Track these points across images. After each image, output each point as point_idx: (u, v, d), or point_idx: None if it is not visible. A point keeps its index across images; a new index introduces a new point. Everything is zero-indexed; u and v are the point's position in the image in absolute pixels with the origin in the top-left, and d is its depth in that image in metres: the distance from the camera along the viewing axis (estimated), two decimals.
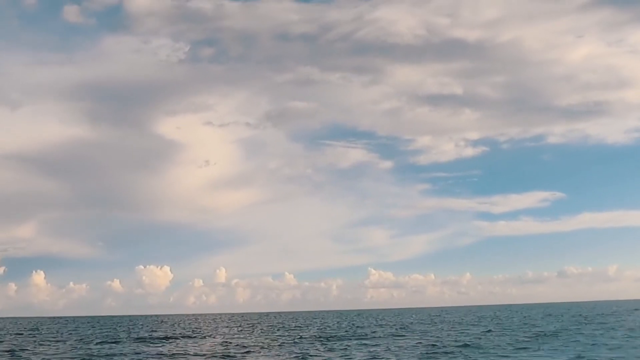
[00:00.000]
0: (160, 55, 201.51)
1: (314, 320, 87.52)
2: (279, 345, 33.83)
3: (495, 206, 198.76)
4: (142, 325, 78.11)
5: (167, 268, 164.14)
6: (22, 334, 55.29)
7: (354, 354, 27.40)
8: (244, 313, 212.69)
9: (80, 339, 43.68)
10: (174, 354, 29.20)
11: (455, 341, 32.40)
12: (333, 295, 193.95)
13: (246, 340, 38.22)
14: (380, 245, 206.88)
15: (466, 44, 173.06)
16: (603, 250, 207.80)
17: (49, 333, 56.87)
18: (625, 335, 32.54)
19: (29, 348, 35.51)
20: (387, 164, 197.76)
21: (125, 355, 29.26)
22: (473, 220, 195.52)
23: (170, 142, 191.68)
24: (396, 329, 49.71)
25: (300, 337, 40.15)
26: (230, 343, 35.98)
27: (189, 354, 29.17)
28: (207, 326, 68.58)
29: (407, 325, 55.24)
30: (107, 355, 29.69)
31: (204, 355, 28.61)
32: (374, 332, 45.34)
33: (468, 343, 30.66)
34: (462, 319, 68.69)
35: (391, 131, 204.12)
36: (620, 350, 25.02)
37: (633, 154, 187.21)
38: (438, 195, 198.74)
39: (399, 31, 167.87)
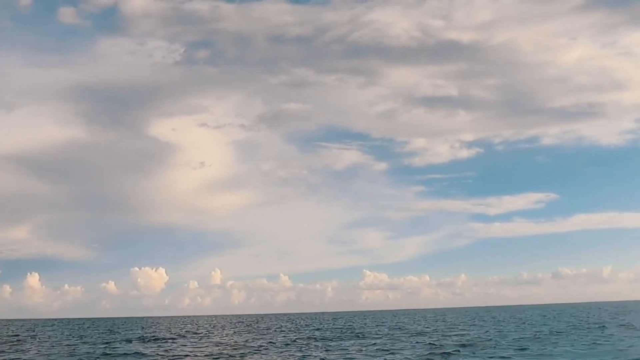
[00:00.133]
0: (155, 57, 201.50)
1: (310, 321, 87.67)
2: (277, 345, 33.95)
3: (490, 208, 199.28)
4: (141, 326, 78.06)
5: (162, 270, 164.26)
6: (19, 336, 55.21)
7: (353, 355, 27.57)
8: (239, 315, 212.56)
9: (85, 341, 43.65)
10: (172, 356, 29.29)
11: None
12: (328, 297, 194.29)
13: (243, 341, 38.33)
14: (375, 247, 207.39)
15: (460, 46, 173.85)
16: (597, 252, 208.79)
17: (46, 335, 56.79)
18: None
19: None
20: (382, 165, 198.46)
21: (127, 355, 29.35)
22: (468, 222, 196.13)
23: (166, 143, 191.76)
24: (393, 329, 49.90)
25: (296, 339, 40.27)
26: (228, 344, 36.09)
27: (186, 355, 29.27)
28: (203, 327, 68.59)
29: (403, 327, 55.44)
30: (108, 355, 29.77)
31: (201, 356, 28.70)
32: (375, 332, 45.51)
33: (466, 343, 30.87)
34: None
35: (386, 133, 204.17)
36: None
37: (627, 155, 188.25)
38: (433, 196, 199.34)
39: (394, 33, 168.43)
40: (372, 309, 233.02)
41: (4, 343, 42.90)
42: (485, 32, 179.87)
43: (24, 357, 30.60)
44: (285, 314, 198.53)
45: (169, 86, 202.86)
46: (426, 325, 55.88)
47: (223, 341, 39.32)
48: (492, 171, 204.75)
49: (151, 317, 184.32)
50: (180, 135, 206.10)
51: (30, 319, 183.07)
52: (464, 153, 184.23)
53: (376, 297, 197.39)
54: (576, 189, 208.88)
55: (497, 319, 70.07)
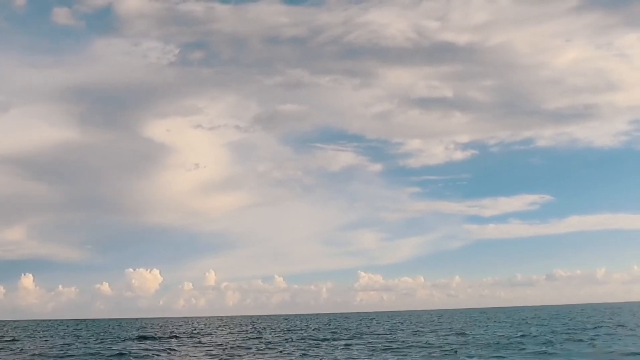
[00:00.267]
0: (150, 58, 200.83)
1: (306, 321, 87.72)
2: (273, 345, 34.07)
3: (484, 209, 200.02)
4: (136, 327, 78.00)
5: (156, 271, 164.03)
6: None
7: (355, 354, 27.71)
8: (233, 316, 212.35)
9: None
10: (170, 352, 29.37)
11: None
12: (323, 298, 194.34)
13: (239, 341, 38.41)
14: (370, 248, 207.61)
15: (456, 47, 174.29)
16: (591, 253, 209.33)
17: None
18: None
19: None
20: (377, 166, 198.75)
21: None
22: (463, 224, 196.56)
23: (160, 145, 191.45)
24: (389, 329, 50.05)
25: (293, 339, 40.38)
26: (225, 344, 36.17)
27: (182, 356, 29.35)
28: (198, 328, 68.60)
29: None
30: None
31: (198, 355, 28.79)
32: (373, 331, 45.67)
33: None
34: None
35: (381, 134, 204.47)
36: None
37: (621, 157, 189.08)
38: (428, 198, 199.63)
39: (389, 34, 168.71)
40: (366, 311, 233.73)
41: None
42: (481, 33, 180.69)
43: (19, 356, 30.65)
44: (279, 315, 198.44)
45: (163, 87, 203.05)
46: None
47: (220, 341, 39.40)
48: (487, 173, 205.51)
49: (145, 318, 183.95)
50: (174, 137, 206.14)
51: (24, 320, 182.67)
52: (459, 154, 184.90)
53: (371, 298, 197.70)
54: (571, 190, 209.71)
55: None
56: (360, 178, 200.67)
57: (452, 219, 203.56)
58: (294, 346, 32.97)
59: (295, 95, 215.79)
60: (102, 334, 56.43)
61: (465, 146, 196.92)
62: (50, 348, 35.68)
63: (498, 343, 30.60)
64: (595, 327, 41.89)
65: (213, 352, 30.00)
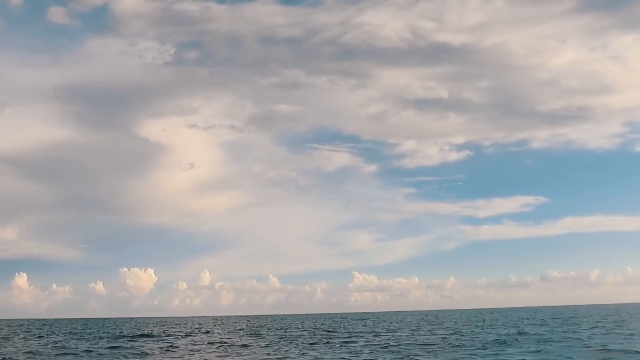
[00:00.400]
0: (145, 58, 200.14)
1: (301, 322, 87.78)
2: (272, 344, 34.08)
3: (479, 210, 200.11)
4: (130, 327, 77.88)
5: (151, 271, 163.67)
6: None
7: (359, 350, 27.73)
8: (228, 316, 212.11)
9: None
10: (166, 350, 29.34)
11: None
12: (317, 299, 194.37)
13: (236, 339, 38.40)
14: (364, 249, 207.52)
15: (452, 48, 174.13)
16: (585, 255, 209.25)
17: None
18: None
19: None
20: (372, 167, 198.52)
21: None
22: (457, 225, 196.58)
23: (155, 144, 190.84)
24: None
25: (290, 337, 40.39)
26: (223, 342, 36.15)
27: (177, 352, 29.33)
28: (194, 327, 68.55)
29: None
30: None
31: (194, 351, 28.77)
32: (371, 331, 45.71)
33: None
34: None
35: (376, 135, 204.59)
36: None
37: (615, 159, 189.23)
38: (423, 199, 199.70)
39: (385, 35, 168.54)
40: (360, 311, 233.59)
41: None
42: (477, 34, 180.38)
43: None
44: (274, 315, 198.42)
45: (159, 87, 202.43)
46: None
47: (217, 339, 39.38)
48: (481, 174, 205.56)
49: (139, 318, 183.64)
50: (170, 136, 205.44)
51: (18, 319, 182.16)
52: (454, 156, 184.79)
53: (365, 299, 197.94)
54: (565, 192, 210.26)
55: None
56: (355, 179, 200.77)
57: (447, 220, 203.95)
58: (293, 344, 33.02)
59: (291, 96, 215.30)
60: (96, 332, 56.30)
61: (460, 147, 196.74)
62: (44, 345, 35.61)
63: (498, 340, 30.81)
64: (592, 328, 42.09)
65: (211, 351, 30.01)
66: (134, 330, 59.54)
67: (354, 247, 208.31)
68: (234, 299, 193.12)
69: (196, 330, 57.80)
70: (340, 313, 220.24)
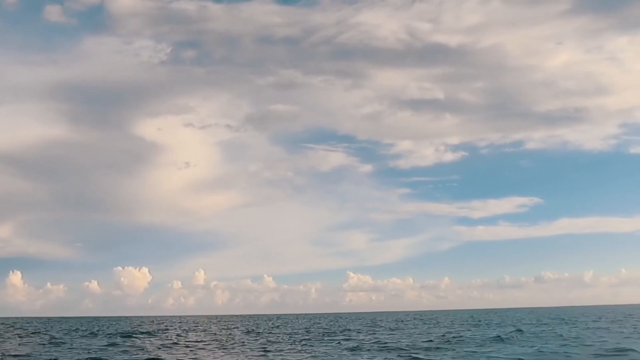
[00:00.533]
0: (142, 57, 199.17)
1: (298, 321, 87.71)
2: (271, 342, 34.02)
3: (474, 211, 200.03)
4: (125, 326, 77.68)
5: (145, 270, 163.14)
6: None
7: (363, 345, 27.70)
8: (222, 315, 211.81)
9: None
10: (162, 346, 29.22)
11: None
12: (312, 299, 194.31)
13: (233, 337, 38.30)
14: (359, 249, 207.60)
15: (448, 49, 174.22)
16: (580, 256, 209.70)
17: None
18: None
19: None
20: (368, 167, 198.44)
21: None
22: (452, 225, 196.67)
23: (151, 143, 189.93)
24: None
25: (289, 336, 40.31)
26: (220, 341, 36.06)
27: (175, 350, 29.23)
28: (189, 326, 68.42)
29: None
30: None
31: (191, 347, 28.68)
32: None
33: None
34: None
35: (372, 135, 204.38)
36: None
37: (611, 160, 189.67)
38: (418, 199, 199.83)
39: (381, 35, 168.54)
40: (355, 311, 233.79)
41: None
42: (473, 35, 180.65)
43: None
44: (268, 315, 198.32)
45: (155, 86, 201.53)
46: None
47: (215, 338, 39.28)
48: (476, 175, 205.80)
49: (134, 317, 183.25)
50: (166, 135, 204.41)
51: (12, 317, 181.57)
52: (449, 156, 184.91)
53: (360, 299, 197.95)
54: (560, 193, 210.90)
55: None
56: (350, 179, 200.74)
57: (442, 221, 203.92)
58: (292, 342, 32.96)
59: (287, 96, 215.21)
60: (90, 330, 56.12)
61: (455, 148, 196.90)
62: (40, 343, 35.46)
63: (497, 337, 30.88)
64: (587, 329, 42.14)
65: (208, 349, 29.92)
66: (132, 328, 59.36)
67: (349, 247, 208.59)
68: (228, 298, 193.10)
69: (192, 327, 57.70)
70: (335, 313, 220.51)
